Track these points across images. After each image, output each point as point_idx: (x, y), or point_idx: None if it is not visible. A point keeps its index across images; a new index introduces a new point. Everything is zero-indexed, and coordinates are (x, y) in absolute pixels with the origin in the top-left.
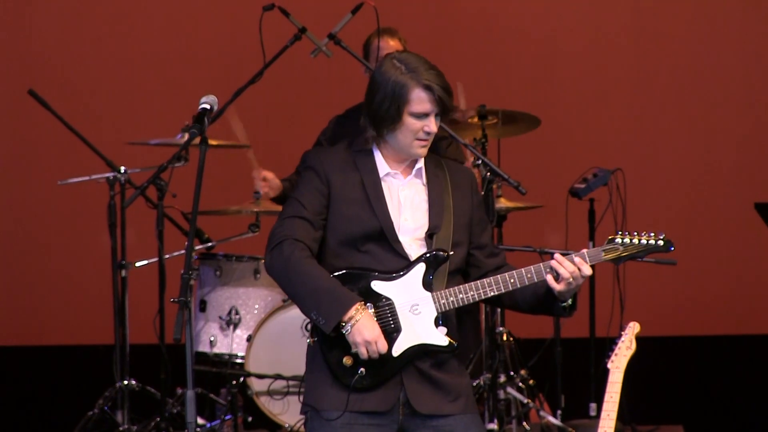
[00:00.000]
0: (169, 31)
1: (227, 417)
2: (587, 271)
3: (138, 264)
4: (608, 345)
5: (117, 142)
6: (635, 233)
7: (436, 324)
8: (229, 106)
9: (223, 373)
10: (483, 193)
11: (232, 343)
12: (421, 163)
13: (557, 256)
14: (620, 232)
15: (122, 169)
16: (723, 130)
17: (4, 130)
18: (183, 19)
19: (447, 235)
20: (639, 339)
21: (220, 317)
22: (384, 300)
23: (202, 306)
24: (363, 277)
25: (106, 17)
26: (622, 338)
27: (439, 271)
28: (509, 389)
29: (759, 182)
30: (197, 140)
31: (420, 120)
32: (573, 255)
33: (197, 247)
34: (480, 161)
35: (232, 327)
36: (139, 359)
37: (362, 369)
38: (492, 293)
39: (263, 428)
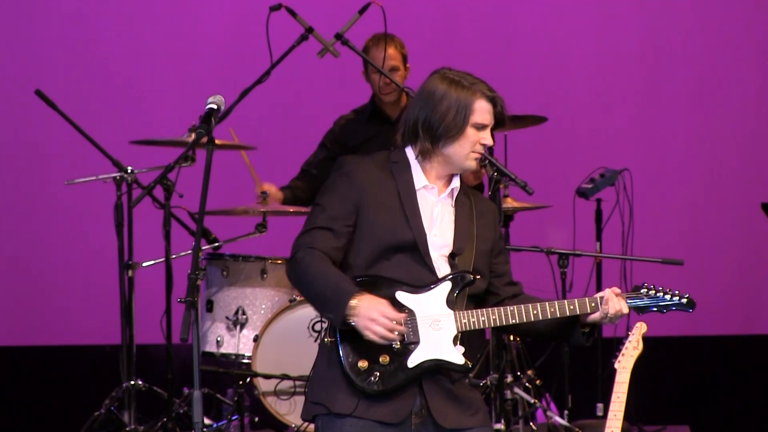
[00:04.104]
0: (175, 32)
1: (234, 417)
2: (625, 310)
3: (145, 264)
4: (615, 345)
5: (124, 143)
6: (661, 288)
7: (455, 342)
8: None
9: (230, 373)
10: (490, 193)
11: (238, 343)
12: (456, 184)
13: (609, 293)
14: (646, 284)
15: (129, 169)
16: (730, 130)
17: (11, 130)
18: (189, 19)
19: (469, 260)
20: (646, 339)
21: (227, 317)
22: (406, 311)
23: (209, 306)
24: (389, 286)
25: (112, 18)
26: (629, 338)
27: (462, 292)
28: (516, 389)
29: (766, 182)
30: (204, 140)
31: (478, 131)
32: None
33: (204, 247)
34: (487, 161)
35: (238, 327)
36: (146, 359)
37: (377, 373)
38: (513, 321)
39: (270, 428)
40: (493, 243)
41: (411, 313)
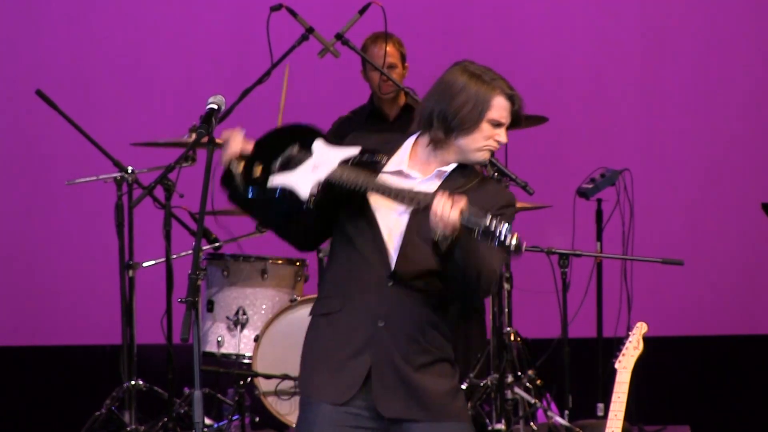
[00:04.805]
0: (176, 32)
1: (234, 417)
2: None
3: (145, 264)
4: (616, 345)
5: (124, 143)
6: (504, 224)
7: (315, 185)
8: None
9: (231, 373)
10: None
11: (239, 344)
12: (446, 168)
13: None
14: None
15: (130, 169)
16: (730, 130)
17: (12, 130)
18: (190, 19)
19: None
20: (646, 339)
21: (228, 317)
22: (307, 150)
23: (210, 306)
24: (310, 131)
25: (113, 18)
26: (630, 338)
27: (365, 167)
28: (517, 389)
29: (766, 182)
30: (205, 140)
31: (494, 128)
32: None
33: (205, 248)
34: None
35: (239, 327)
36: (147, 359)
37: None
38: (370, 191)
39: (270, 428)
40: None
41: (309, 152)
